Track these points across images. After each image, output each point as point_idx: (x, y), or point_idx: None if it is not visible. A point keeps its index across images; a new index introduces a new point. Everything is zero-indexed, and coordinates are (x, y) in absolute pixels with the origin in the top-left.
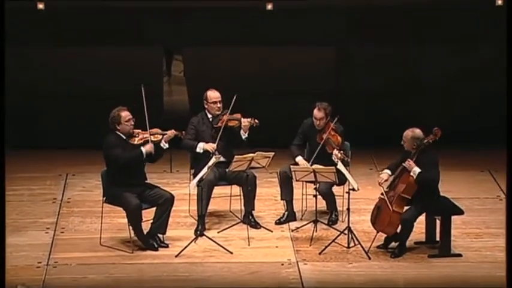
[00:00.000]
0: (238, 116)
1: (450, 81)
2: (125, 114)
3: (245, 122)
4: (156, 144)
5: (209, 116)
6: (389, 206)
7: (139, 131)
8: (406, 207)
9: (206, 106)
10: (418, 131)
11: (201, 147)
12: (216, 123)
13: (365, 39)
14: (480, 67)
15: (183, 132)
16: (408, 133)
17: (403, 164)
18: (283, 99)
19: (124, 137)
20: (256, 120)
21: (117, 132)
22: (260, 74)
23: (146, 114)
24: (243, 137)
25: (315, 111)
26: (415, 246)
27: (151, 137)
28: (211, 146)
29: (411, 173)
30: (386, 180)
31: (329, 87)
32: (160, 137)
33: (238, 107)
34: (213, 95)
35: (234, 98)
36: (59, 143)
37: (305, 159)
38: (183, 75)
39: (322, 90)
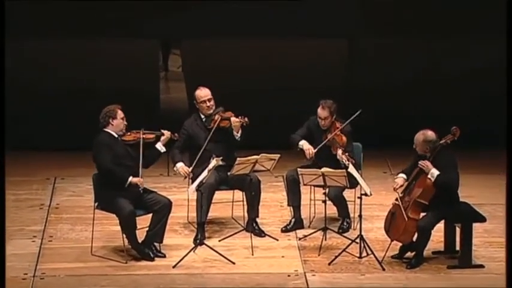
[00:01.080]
0: (229, 115)
1: (472, 77)
2: (120, 111)
3: (234, 121)
4: (152, 147)
5: (202, 116)
6: (404, 212)
7: (132, 131)
8: (422, 214)
9: (197, 106)
10: (430, 133)
11: (177, 167)
12: (209, 124)
13: (379, 31)
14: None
15: (176, 134)
16: (419, 136)
17: (419, 164)
18: (289, 96)
19: (116, 135)
20: (246, 119)
21: (109, 130)
22: (264, 69)
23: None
24: (236, 138)
25: (319, 109)
26: (433, 256)
27: (144, 136)
28: (183, 170)
29: (429, 176)
30: (402, 186)
31: (338, 83)
32: (153, 136)
33: (239, 104)
34: (201, 93)
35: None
36: (47, 144)
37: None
38: (181, 71)
39: (330, 87)
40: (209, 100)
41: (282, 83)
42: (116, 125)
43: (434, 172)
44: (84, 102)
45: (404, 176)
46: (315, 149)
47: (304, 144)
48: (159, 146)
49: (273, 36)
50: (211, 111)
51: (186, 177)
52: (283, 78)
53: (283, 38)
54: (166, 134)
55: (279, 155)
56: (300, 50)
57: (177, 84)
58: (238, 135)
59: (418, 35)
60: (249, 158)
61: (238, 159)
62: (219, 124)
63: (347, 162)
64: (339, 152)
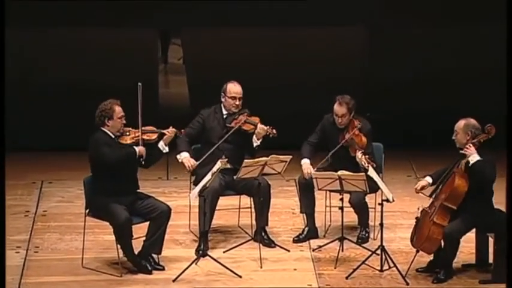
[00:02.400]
0: (256, 119)
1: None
2: (119, 109)
3: (260, 128)
4: (153, 145)
5: (224, 112)
6: (429, 217)
7: (130, 129)
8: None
9: (223, 100)
10: (473, 120)
11: (181, 157)
12: (229, 122)
13: (403, 19)
14: None
15: (182, 131)
16: (460, 122)
17: (464, 149)
18: (301, 90)
19: (113, 136)
20: (274, 130)
21: (105, 130)
22: (274, 61)
23: (140, 111)
24: (254, 144)
25: (336, 106)
26: (463, 270)
27: (145, 135)
28: (189, 163)
29: (469, 159)
30: (424, 188)
31: (357, 77)
32: (155, 136)
33: (246, 100)
34: (234, 89)
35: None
36: (33, 144)
37: (319, 162)
38: (182, 63)
39: (347, 80)
40: (239, 99)
41: (294, 76)
42: (112, 126)
43: (476, 157)
44: (74, 98)
45: (429, 179)
46: (333, 163)
47: (304, 164)
48: (162, 146)
49: (283, 25)
50: (237, 110)
51: (189, 171)
52: (295, 71)
53: (295, 27)
54: (170, 132)
55: (290, 157)
56: (313, 40)
57: (178, 78)
58: (258, 142)
59: (447, 24)
60: (257, 159)
61: (245, 161)
62: (241, 126)
63: (367, 165)
64: (358, 154)
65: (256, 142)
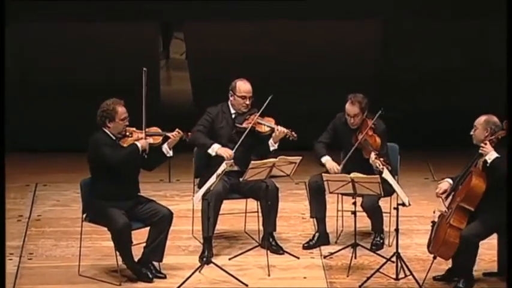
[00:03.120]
0: (271, 121)
1: None
2: (122, 110)
3: (281, 131)
4: (156, 148)
5: (232, 111)
6: (446, 219)
7: (134, 129)
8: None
9: (231, 98)
10: (494, 117)
11: (214, 149)
12: (240, 122)
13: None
14: None
15: (189, 133)
16: (482, 117)
17: (481, 148)
18: (311, 87)
19: (114, 137)
20: (294, 134)
21: (106, 131)
22: (283, 56)
23: (144, 109)
24: (271, 148)
25: (348, 105)
26: (484, 279)
27: (149, 138)
28: (227, 153)
29: (486, 157)
30: (446, 191)
31: (370, 73)
32: (159, 139)
33: (254, 97)
34: (244, 87)
35: (269, 99)
36: (26, 145)
37: (336, 162)
38: (185, 58)
39: (360, 77)
40: (250, 98)
41: (304, 72)
42: (114, 127)
43: (493, 154)
44: (70, 96)
45: (450, 181)
46: (345, 154)
47: (327, 162)
48: (166, 149)
49: (292, 18)
50: (246, 110)
51: (230, 160)
52: (304, 67)
53: (303, 20)
54: (175, 135)
55: (300, 158)
56: (324, 33)
57: (180, 74)
58: (276, 146)
59: (467, 16)
60: (265, 161)
61: (252, 162)
62: (254, 127)
63: (382, 167)
64: (372, 156)
65: (273, 146)
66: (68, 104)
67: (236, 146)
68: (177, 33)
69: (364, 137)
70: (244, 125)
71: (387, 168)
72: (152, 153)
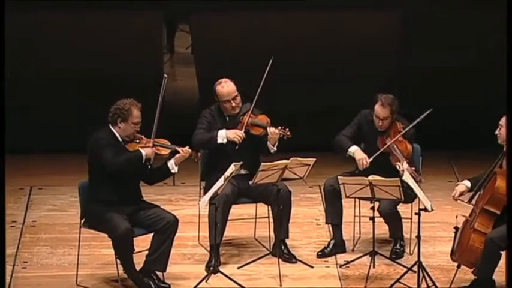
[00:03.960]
0: (263, 120)
1: None
2: (137, 113)
3: (273, 133)
4: (161, 158)
5: (225, 114)
6: (470, 223)
7: (142, 136)
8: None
9: (219, 103)
10: None
11: (223, 136)
12: (234, 124)
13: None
14: None
15: (199, 154)
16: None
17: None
18: (327, 83)
19: (120, 139)
20: (288, 132)
21: (113, 130)
22: (295, 49)
23: (157, 117)
24: (271, 151)
25: (378, 107)
26: None
27: (157, 149)
28: (237, 135)
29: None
30: (463, 194)
31: (390, 67)
32: (167, 152)
33: (265, 94)
34: (224, 91)
35: (270, 62)
36: (20, 145)
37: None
38: (191, 52)
39: (379, 72)
40: (234, 99)
41: (319, 67)
42: (124, 129)
43: None
44: (68, 92)
45: (468, 183)
46: (369, 156)
47: (356, 151)
48: (171, 165)
49: (305, 8)
50: (237, 110)
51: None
52: (320, 60)
53: (318, 10)
54: (185, 151)
55: (314, 159)
56: (341, 25)
57: (186, 69)
58: (275, 148)
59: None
60: (276, 162)
61: (262, 164)
62: (249, 130)
63: (418, 177)
64: (404, 165)
65: (272, 148)
66: (65, 100)
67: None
68: (182, 25)
69: (394, 142)
70: (238, 128)
71: (419, 180)
72: (156, 166)
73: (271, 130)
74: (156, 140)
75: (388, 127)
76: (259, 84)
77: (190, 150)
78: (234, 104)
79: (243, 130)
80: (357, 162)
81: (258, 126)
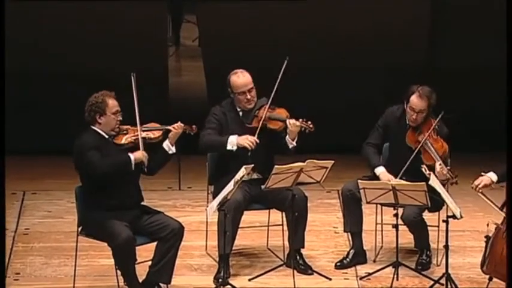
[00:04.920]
0: (282, 114)
1: None
2: (113, 102)
3: (293, 124)
4: (155, 144)
5: (238, 109)
6: (503, 232)
7: (129, 127)
8: None
9: (232, 96)
10: None
11: (233, 142)
12: (249, 121)
13: None
14: None
15: (194, 126)
16: None
17: None
18: (347, 77)
19: (106, 136)
20: (310, 124)
21: (96, 129)
22: (314, 41)
23: (136, 104)
24: (290, 146)
25: (414, 98)
26: None
27: (146, 134)
28: (249, 141)
29: None
30: (486, 187)
31: (418, 60)
32: (158, 133)
33: (280, 92)
34: (239, 81)
35: (285, 63)
36: (12, 145)
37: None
38: (198, 45)
39: (405, 65)
40: (250, 91)
41: (338, 59)
42: (105, 123)
43: None
44: (65, 88)
45: (494, 176)
46: (395, 171)
47: (381, 174)
48: (167, 146)
49: None
50: (252, 104)
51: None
52: (341, 54)
53: None
54: (177, 127)
55: (332, 162)
56: (362, 13)
57: (192, 64)
58: (294, 143)
59: None
60: (291, 165)
61: (276, 167)
62: (266, 125)
63: (454, 179)
64: (438, 166)
65: (291, 143)
66: (61, 97)
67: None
68: (188, 16)
69: (427, 138)
70: (254, 124)
71: (456, 182)
72: (151, 154)
73: (291, 122)
74: (144, 125)
75: (420, 123)
76: (274, 81)
77: (182, 125)
78: (249, 97)
79: (259, 125)
80: None
81: (276, 120)
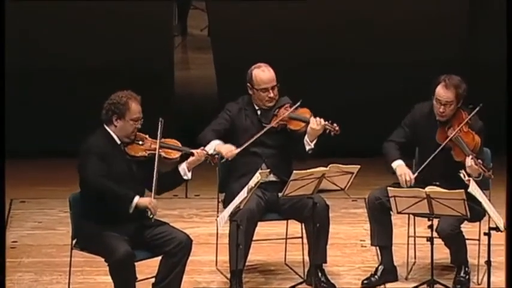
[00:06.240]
0: (305, 113)
1: None
2: (136, 107)
3: (316, 123)
4: (170, 163)
5: (256, 107)
6: None
7: (146, 136)
8: None
9: (251, 92)
10: None
11: (213, 146)
12: (267, 120)
13: None
14: None
15: (216, 156)
16: None
17: None
18: (373, 73)
19: (118, 141)
20: (336, 127)
21: (109, 131)
22: (337, 32)
23: (160, 136)
24: (307, 148)
25: (440, 89)
26: None
27: (164, 152)
28: (227, 150)
29: None
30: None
31: (452, 53)
32: (177, 154)
33: (296, 86)
34: (263, 76)
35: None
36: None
37: (409, 167)
38: (207, 35)
39: (439, 59)
40: (273, 88)
41: (362, 54)
42: (121, 128)
43: None
44: (58, 83)
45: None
46: (421, 155)
47: (398, 167)
48: (183, 171)
49: None
50: (273, 103)
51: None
52: (365, 46)
53: None
54: (199, 154)
55: (358, 167)
56: (391, 4)
57: (200, 55)
58: (312, 145)
59: None
60: (312, 170)
61: (295, 172)
62: (286, 125)
63: (487, 173)
64: (469, 160)
65: (309, 145)
66: (55, 93)
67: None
68: (196, 2)
69: (457, 133)
70: (273, 124)
71: (490, 176)
72: (164, 172)
73: (316, 120)
74: (163, 141)
75: (450, 116)
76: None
77: (205, 152)
78: (271, 95)
79: (277, 125)
80: (399, 178)
81: (298, 120)
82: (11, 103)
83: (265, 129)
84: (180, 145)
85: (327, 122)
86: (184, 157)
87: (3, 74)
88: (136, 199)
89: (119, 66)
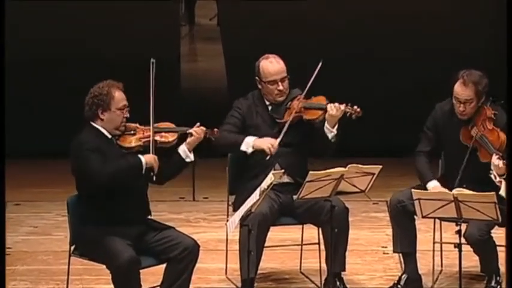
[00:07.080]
0: (321, 100)
1: None
2: (120, 95)
3: (335, 109)
4: (170, 151)
5: (267, 102)
6: None
7: (137, 125)
8: None
9: (260, 87)
10: None
11: (249, 143)
12: (280, 115)
13: None
14: None
15: (216, 130)
16: None
17: None
18: (395, 67)
19: (109, 135)
20: (357, 108)
21: (97, 126)
22: (357, 24)
23: (152, 102)
24: (329, 136)
25: (458, 86)
26: None
27: (158, 136)
28: (269, 144)
29: None
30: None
31: (475, 47)
32: (173, 137)
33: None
34: (271, 68)
35: (319, 65)
36: None
37: (445, 184)
38: (216, 24)
39: (463, 52)
40: (282, 80)
41: (385, 47)
42: (109, 120)
43: None
44: (57, 76)
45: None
46: (450, 179)
47: (434, 189)
48: (184, 152)
49: None
50: (284, 97)
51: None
52: (387, 40)
53: None
54: (197, 131)
55: (379, 167)
56: None
57: (209, 47)
58: (335, 131)
59: None
60: (329, 171)
61: (310, 173)
62: (302, 116)
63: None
64: (494, 159)
65: (331, 131)
66: (53, 86)
67: (277, 142)
68: None
69: (481, 131)
70: (286, 118)
71: None
72: (164, 160)
73: (335, 105)
74: (156, 125)
75: (472, 114)
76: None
77: (204, 128)
78: (281, 87)
79: (291, 118)
80: None
81: (314, 109)
82: (11, 103)
83: (287, 124)
84: (175, 126)
85: (344, 105)
86: (182, 138)
87: (3, 74)
88: (144, 160)
89: (124, 58)
